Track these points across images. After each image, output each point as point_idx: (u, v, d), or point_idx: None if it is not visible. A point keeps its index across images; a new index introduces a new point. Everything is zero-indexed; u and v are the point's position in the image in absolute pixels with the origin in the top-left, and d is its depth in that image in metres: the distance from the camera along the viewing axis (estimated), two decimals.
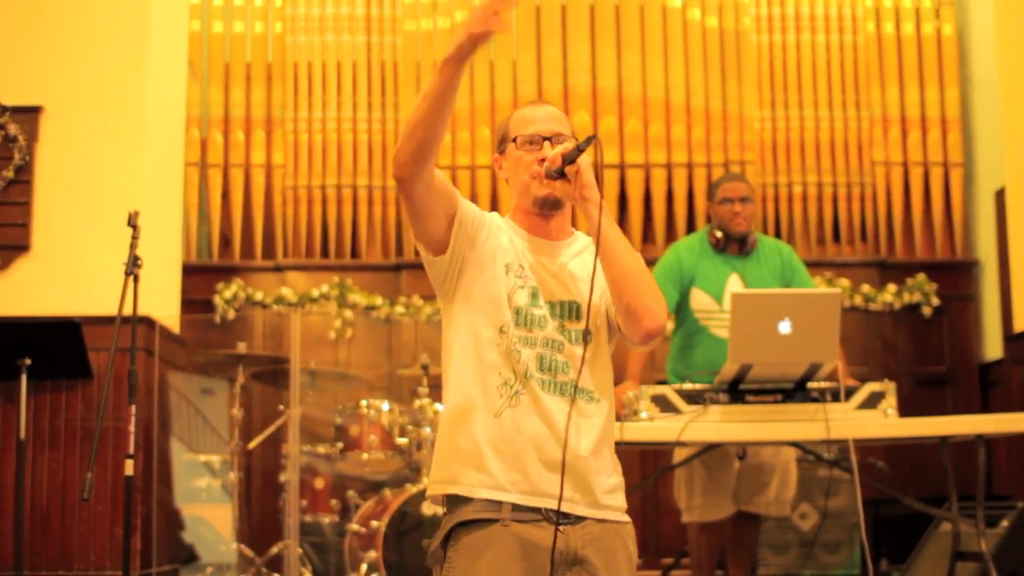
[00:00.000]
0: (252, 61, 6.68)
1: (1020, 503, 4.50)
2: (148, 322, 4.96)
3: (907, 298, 6.47)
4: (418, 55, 6.67)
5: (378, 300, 6.41)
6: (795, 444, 4.02)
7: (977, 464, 3.86)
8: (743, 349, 3.56)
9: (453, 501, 2.21)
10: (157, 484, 5.10)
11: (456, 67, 2.10)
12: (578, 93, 6.58)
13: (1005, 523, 4.39)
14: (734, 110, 6.66)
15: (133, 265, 3.74)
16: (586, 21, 6.68)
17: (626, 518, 2.29)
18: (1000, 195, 6.19)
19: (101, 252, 4.94)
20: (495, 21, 2.08)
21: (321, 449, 5.29)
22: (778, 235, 6.53)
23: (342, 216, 6.56)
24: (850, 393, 3.73)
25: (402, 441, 5.15)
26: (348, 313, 6.39)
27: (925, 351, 6.49)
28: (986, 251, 6.50)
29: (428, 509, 4.75)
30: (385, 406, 5.20)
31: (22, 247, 5.05)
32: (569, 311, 2.29)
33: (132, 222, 3.77)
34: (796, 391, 3.71)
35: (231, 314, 6.38)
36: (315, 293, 6.41)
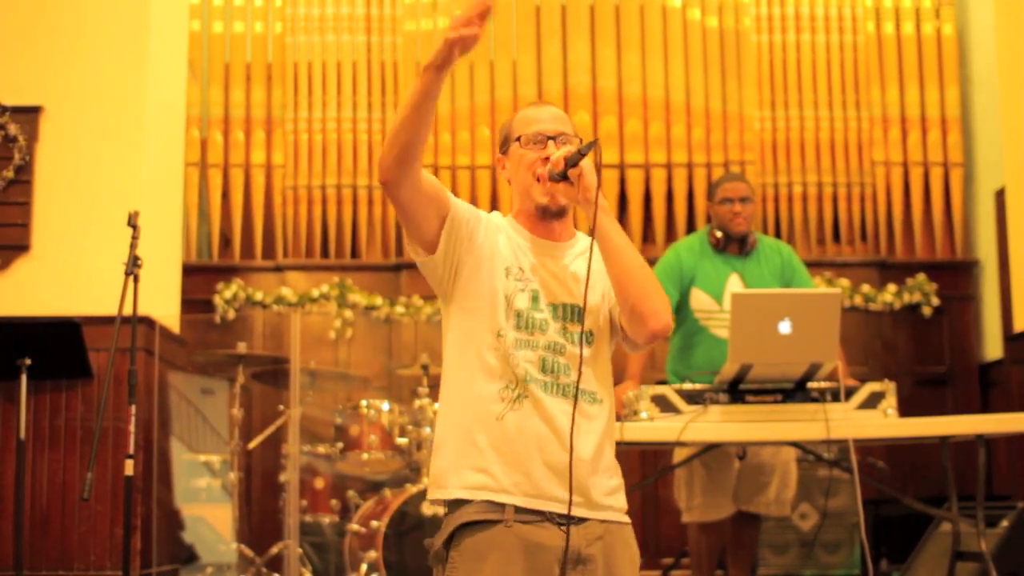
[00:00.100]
0: (252, 61, 6.68)
1: (1020, 503, 4.50)
2: (148, 322, 4.96)
3: (907, 298, 6.47)
4: (418, 55, 6.66)
5: (378, 300, 6.41)
6: (795, 444, 4.02)
7: (977, 464, 3.85)
8: (743, 349, 3.56)
9: (455, 503, 2.20)
10: (157, 484, 5.10)
11: (436, 74, 2.10)
12: (578, 93, 6.58)
13: (1005, 523, 4.39)
14: (734, 110, 6.66)
15: (133, 265, 3.74)
16: (586, 21, 6.68)
17: (626, 519, 2.29)
18: (1000, 195, 6.19)
19: (101, 252, 4.94)
20: (472, 29, 2.08)
21: (321, 449, 5.29)
22: (778, 235, 6.53)
23: (342, 216, 6.56)
24: (850, 393, 3.73)
25: (402, 441, 5.15)
26: (348, 313, 6.39)
27: (925, 351, 6.49)
28: (986, 251, 6.49)
29: (428, 509, 4.75)
30: (385, 406, 5.20)
31: (22, 247, 5.05)
32: (571, 313, 2.28)
33: (132, 222, 3.77)
34: (796, 391, 3.71)
35: (231, 314, 6.38)
36: (315, 293, 6.41)
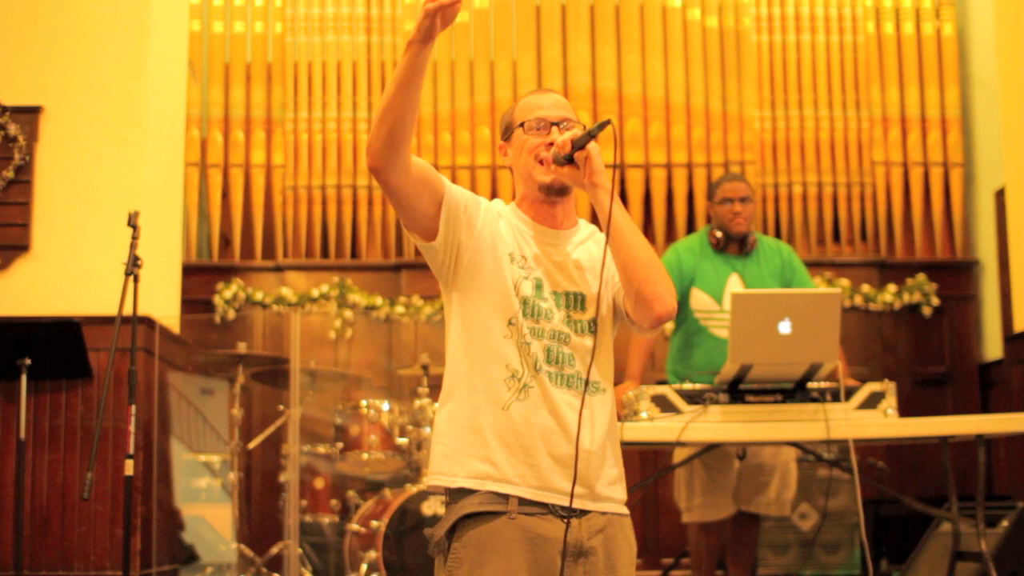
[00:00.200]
0: (252, 61, 6.68)
1: (1020, 503, 4.50)
2: (148, 322, 4.96)
3: (907, 298, 6.47)
4: None
5: (378, 300, 6.41)
6: (795, 444, 4.02)
7: (977, 464, 3.85)
8: (743, 349, 3.56)
9: (458, 492, 2.19)
10: (157, 484, 5.10)
11: (419, 48, 2.08)
12: (578, 93, 6.58)
13: (1005, 523, 4.39)
14: (734, 110, 6.66)
15: (133, 265, 3.74)
16: (586, 21, 6.68)
17: (625, 511, 2.29)
18: (1000, 195, 6.19)
19: (101, 252, 4.94)
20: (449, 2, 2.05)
21: (321, 449, 5.29)
22: (778, 235, 6.53)
23: (342, 216, 6.56)
24: (850, 393, 3.73)
25: (402, 441, 5.14)
26: (348, 313, 6.39)
27: (925, 351, 6.49)
28: (986, 251, 6.49)
29: (428, 509, 4.75)
30: (385, 406, 5.20)
31: (22, 247, 5.05)
32: (575, 302, 2.27)
33: (132, 222, 3.77)
34: (796, 391, 3.71)
35: (231, 314, 6.38)
36: (315, 293, 6.41)
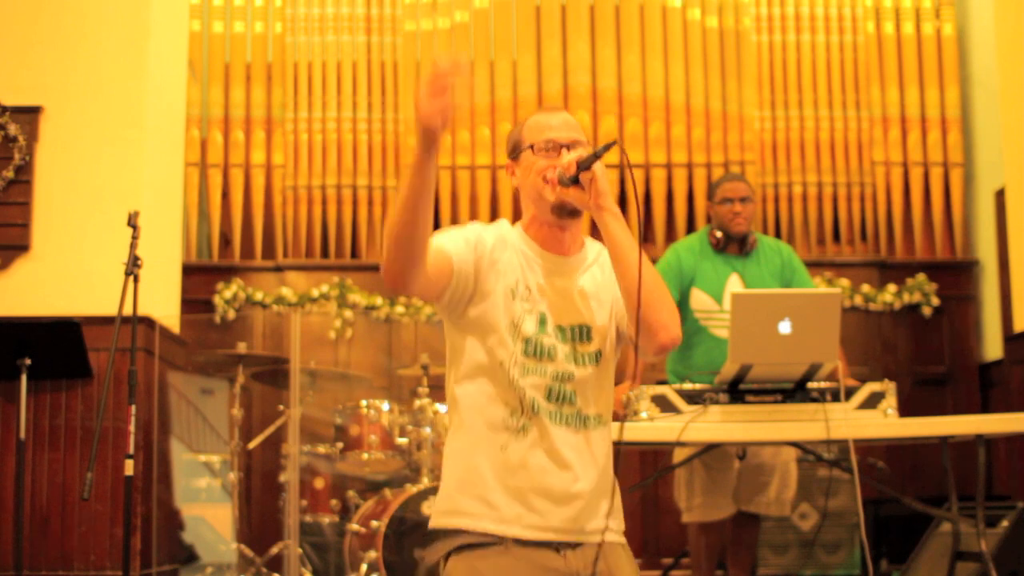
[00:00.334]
0: (252, 61, 6.68)
1: (1020, 503, 4.50)
2: (148, 322, 4.96)
3: (907, 298, 6.47)
4: (418, 55, 6.67)
5: (378, 300, 6.41)
6: (795, 444, 4.02)
7: (977, 464, 3.85)
8: (743, 349, 3.56)
9: (455, 532, 2.20)
10: (157, 484, 5.10)
11: (423, 163, 1.99)
12: (578, 93, 6.58)
13: (1005, 523, 4.38)
14: (734, 110, 6.66)
15: (133, 265, 3.74)
16: (586, 21, 6.68)
17: (623, 540, 2.29)
18: (1000, 195, 6.19)
19: (101, 252, 4.94)
20: (439, 101, 1.95)
21: (321, 449, 5.29)
22: (778, 235, 6.53)
23: (342, 216, 6.56)
24: (850, 393, 3.72)
25: (402, 441, 5.14)
26: (348, 313, 6.39)
27: (925, 351, 6.49)
28: (986, 251, 6.49)
29: (428, 509, 4.75)
30: (385, 406, 5.20)
31: (22, 247, 5.05)
32: (580, 334, 2.26)
33: (132, 222, 3.77)
34: (796, 391, 3.71)
35: (231, 314, 6.38)
36: (315, 293, 6.41)
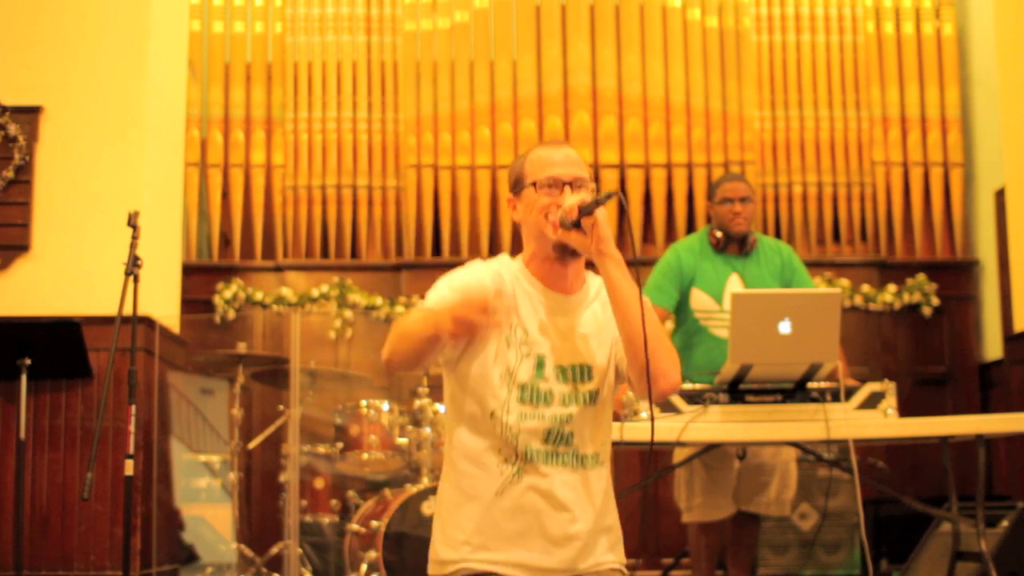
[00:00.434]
0: (252, 61, 6.68)
1: (1020, 503, 4.50)
2: (148, 322, 4.96)
3: (907, 298, 6.47)
4: (418, 55, 6.67)
5: (378, 300, 6.41)
6: (795, 444, 4.02)
7: (977, 464, 3.85)
8: (743, 349, 3.56)
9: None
10: (157, 484, 5.10)
11: (438, 337, 2.09)
12: (578, 93, 6.58)
13: (1005, 523, 4.38)
14: (734, 110, 6.66)
15: (133, 265, 3.74)
16: (586, 21, 6.68)
17: (623, 568, 2.30)
18: (1000, 195, 6.19)
19: (101, 252, 4.94)
20: (468, 328, 2.05)
21: (321, 449, 5.29)
22: (778, 235, 6.53)
23: (342, 216, 6.56)
24: (850, 393, 3.73)
25: (402, 441, 5.14)
26: (348, 313, 6.39)
27: (925, 351, 6.49)
28: (986, 251, 6.49)
29: (428, 509, 4.75)
30: (385, 406, 5.20)
31: (22, 247, 5.05)
32: (580, 374, 2.26)
33: (132, 222, 3.77)
34: (796, 391, 3.71)
35: (231, 314, 6.38)
36: (315, 293, 6.41)
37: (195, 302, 6.25)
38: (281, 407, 5.39)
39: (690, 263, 4.32)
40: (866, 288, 6.48)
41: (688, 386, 3.74)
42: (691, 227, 6.49)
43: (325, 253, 6.59)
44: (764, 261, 4.36)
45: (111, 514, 4.77)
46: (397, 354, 2.14)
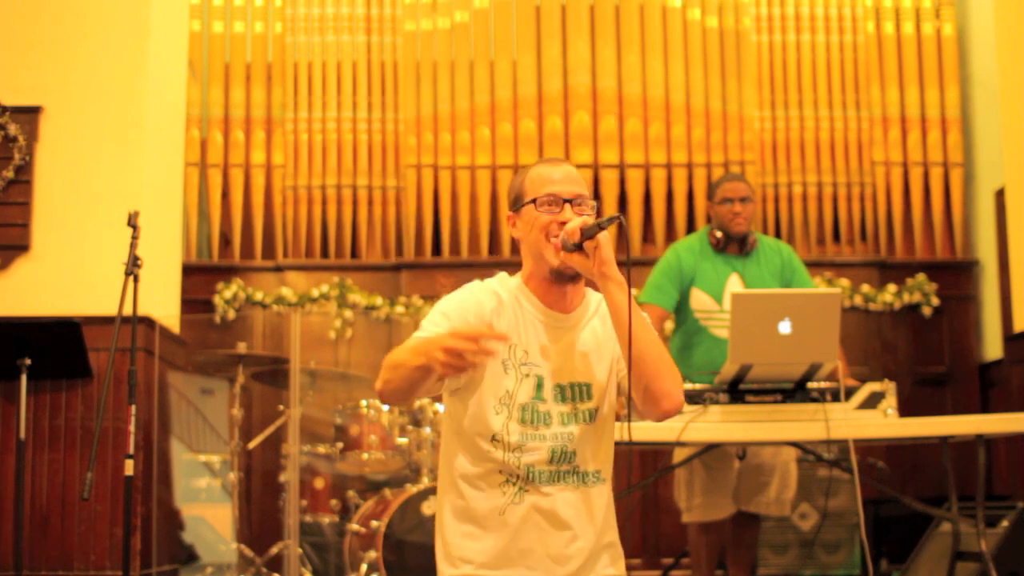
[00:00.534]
0: (252, 61, 6.68)
1: (1020, 503, 4.50)
2: (148, 322, 4.96)
3: (907, 298, 6.47)
4: (418, 55, 6.67)
5: (378, 300, 6.41)
6: (795, 444, 4.02)
7: (977, 464, 3.85)
8: (743, 349, 3.56)
9: None
10: (157, 484, 5.10)
11: (428, 369, 2.05)
12: (578, 93, 6.58)
13: (1005, 523, 4.39)
14: (734, 110, 6.66)
15: (133, 265, 3.74)
16: (586, 21, 6.68)
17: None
18: (1000, 195, 6.19)
19: (101, 252, 4.94)
20: (458, 369, 2.01)
21: (321, 449, 5.29)
22: (778, 235, 6.53)
23: (342, 216, 6.56)
24: (850, 393, 3.73)
25: (402, 441, 5.14)
26: (348, 313, 6.39)
27: (925, 351, 6.49)
28: (986, 251, 6.49)
29: (428, 509, 4.75)
30: (385, 406, 5.20)
31: (22, 247, 5.05)
32: (580, 393, 2.26)
33: (132, 222, 3.77)
34: (796, 391, 3.71)
35: (231, 314, 6.38)
36: (315, 293, 6.41)
37: (195, 302, 6.25)
38: (281, 407, 5.39)
39: (690, 263, 4.32)
40: (866, 288, 6.48)
41: (688, 386, 3.73)
42: (691, 227, 6.49)
43: (325, 253, 6.59)
44: (764, 261, 4.36)
45: (111, 514, 4.77)
46: (390, 384, 2.11)
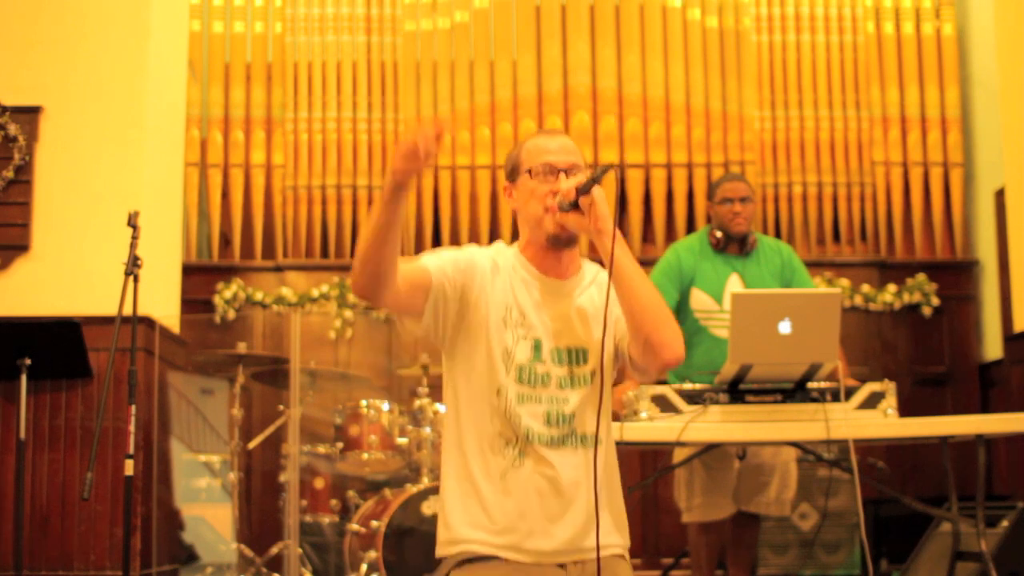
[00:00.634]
0: (252, 61, 6.68)
1: (1020, 503, 4.50)
2: (148, 322, 4.96)
3: (907, 298, 6.47)
4: (418, 55, 6.67)
5: None
6: (795, 444, 4.02)
7: (977, 464, 3.85)
8: (743, 349, 3.56)
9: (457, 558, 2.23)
10: (157, 484, 5.10)
11: (392, 203, 2.04)
12: (578, 93, 6.58)
13: (1005, 523, 4.38)
14: (734, 110, 6.66)
15: (133, 265, 3.74)
16: (586, 21, 6.68)
17: (625, 552, 2.31)
18: (1000, 195, 6.19)
19: (101, 252, 4.94)
20: (420, 159, 1.99)
21: (321, 449, 5.29)
22: (778, 235, 6.53)
23: (342, 216, 6.56)
24: (850, 393, 3.72)
25: (402, 441, 5.14)
26: (348, 313, 6.39)
27: (925, 351, 6.49)
28: (986, 251, 6.49)
29: (428, 509, 4.75)
30: (385, 406, 5.20)
31: (22, 247, 5.05)
32: (577, 357, 2.27)
33: (132, 222, 3.77)
34: (796, 391, 3.71)
35: (231, 314, 6.38)
36: (315, 293, 6.41)
37: (195, 302, 6.25)
38: (281, 407, 5.39)
39: (690, 263, 4.32)
40: (866, 288, 6.48)
41: (688, 386, 3.73)
42: (691, 227, 6.49)
43: (325, 253, 6.59)
44: (764, 261, 4.36)
45: (111, 514, 4.77)
46: (362, 262, 2.07)
